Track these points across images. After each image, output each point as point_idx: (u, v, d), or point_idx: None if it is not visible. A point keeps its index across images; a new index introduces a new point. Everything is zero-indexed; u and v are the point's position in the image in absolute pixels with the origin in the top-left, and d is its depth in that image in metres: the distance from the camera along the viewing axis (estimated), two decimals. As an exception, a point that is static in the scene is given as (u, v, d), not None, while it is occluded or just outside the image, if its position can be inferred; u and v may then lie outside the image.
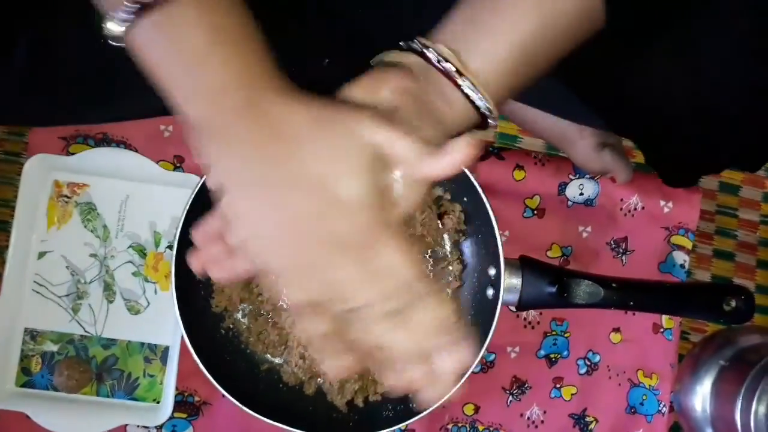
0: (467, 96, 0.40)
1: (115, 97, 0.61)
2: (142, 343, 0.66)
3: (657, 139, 0.55)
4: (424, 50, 0.40)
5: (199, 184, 0.60)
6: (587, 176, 0.70)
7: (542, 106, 0.61)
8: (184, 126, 0.37)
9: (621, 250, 0.71)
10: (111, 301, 0.67)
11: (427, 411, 0.60)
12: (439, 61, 0.39)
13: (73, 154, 0.66)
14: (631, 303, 0.64)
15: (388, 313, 0.36)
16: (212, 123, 0.35)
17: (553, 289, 0.63)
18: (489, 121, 0.41)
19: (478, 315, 0.65)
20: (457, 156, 0.37)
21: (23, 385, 0.65)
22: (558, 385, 0.69)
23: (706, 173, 0.69)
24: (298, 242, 0.36)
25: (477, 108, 0.40)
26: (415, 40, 0.41)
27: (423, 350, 0.37)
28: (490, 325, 0.61)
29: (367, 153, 0.36)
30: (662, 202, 0.70)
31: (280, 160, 0.35)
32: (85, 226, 0.67)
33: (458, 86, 0.39)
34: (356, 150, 0.36)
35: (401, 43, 0.42)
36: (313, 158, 0.35)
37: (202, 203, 0.62)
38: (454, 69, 0.39)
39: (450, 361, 0.37)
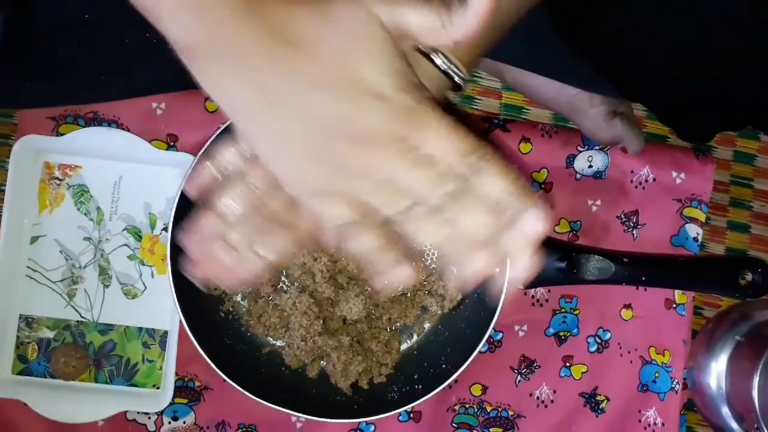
0: (441, 69, 0.38)
1: (103, 76, 0.59)
2: (140, 328, 0.65)
3: (671, 99, 0.52)
4: None
5: (194, 163, 0.59)
6: (596, 147, 0.67)
7: (550, 73, 0.59)
8: (183, 56, 0.33)
9: (632, 224, 0.68)
10: (107, 286, 0.65)
11: (433, 393, 0.59)
12: None
13: (63, 134, 0.64)
14: (643, 278, 0.62)
15: (447, 197, 0.34)
16: (208, 41, 0.32)
17: (562, 265, 0.61)
18: (461, 85, 0.39)
19: (485, 293, 0.63)
20: (478, 5, 0.33)
21: (20, 373, 0.63)
22: (568, 364, 0.68)
23: (723, 129, 0.66)
24: (336, 150, 0.33)
25: (450, 77, 0.38)
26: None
27: (493, 228, 0.34)
28: (497, 304, 0.59)
29: (383, 34, 0.33)
30: (674, 174, 0.68)
31: (294, 65, 0.32)
32: (78, 209, 0.65)
33: (432, 62, 0.37)
34: (372, 34, 0.33)
35: None
36: (330, 55, 0.32)
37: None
38: (423, 46, 0.37)
39: (528, 226, 0.34)
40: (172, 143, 0.65)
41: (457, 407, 0.67)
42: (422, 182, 0.34)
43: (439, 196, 0.34)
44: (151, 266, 0.65)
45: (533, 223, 0.34)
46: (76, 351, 0.64)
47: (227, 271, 0.40)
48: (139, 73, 0.60)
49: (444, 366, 0.61)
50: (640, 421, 0.68)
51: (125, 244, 0.65)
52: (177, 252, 0.59)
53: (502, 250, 0.35)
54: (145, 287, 0.65)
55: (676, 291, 0.68)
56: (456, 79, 0.38)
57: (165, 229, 0.65)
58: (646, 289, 0.68)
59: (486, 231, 0.34)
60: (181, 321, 0.58)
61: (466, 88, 0.39)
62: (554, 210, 0.67)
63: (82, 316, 0.64)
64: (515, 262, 0.35)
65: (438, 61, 0.37)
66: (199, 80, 0.34)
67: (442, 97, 0.39)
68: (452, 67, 0.38)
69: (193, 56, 0.33)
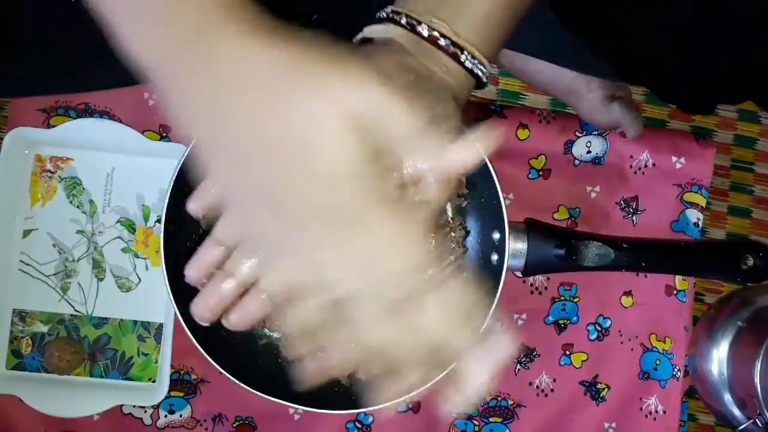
0: (467, 68, 0.37)
1: (93, 63, 0.58)
2: (135, 321, 0.64)
3: (670, 72, 0.51)
4: (415, 25, 0.37)
5: (185, 154, 0.58)
6: (595, 133, 0.67)
7: (547, 56, 0.58)
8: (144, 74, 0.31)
9: (631, 210, 0.67)
10: (101, 279, 0.64)
11: (430, 383, 0.58)
12: (430, 35, 0.37)
13: (54, 126, 0.63)
14: (643, 264, 0.62)
15: (384, 309, 0.32)
16: (158, 59, 0.29)
17: (561, 252, 0.60)
18: (485, 81, 0.39)
19: (483, 282, 0.62)
20: (475, 149, 0.32)
21: (14, 368, 0.63)
22: (568, 352, 0.67)
23: (724, 102, 0.65)
24: (271, 211, 0.31)
25: (475, 74, 0.38)
26: (398, 13, 0.38)
27: (436, 351, 0.33)
28: (495, 292, 0.58)
29: (353, 117, 0.30)
30: (674, 158, 0.67)
31: (231, 114, 0.29)
32: (71, 202, 0.64)
33: (459, 61, 0.37)
34: (338, 113, 0.29)
35: (382, 14, 0.39)
36: (276, 116, 0.29)
37: (189, 174, 0.59)
38: (450, 42, 0.37)
39: (476, 364, 0.33)
40: (165, 134, 0.64)
41: (456, 397, 0.66)
42: (355, 282, 0.32)
43: (377, 302, 0.32)
44: (145, 259, 0.65)
45: (501, 349, 0.34)
46: (71, 345, 0.63)
47: (238, 314, 0.38)
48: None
49: (442, 355, 0.61)
50: (641, 409, 0.67)
51: (119, 237, 0.64)
52: (171, 244, 0.58)
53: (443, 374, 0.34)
54: (140, 280, 0.64)
55: (677, 277, 0.67)
56: (482, 77, 0.38)
57: (159, 220, 0.64)
58: (646, 276, 0.67)
59: (423, 356, 0.33)
60: (176, 314, 0.57)
61: (489, 83, 0.40)
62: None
63: (76, 310, 0.64)
64: (469, 379, 0.34)
65: (466, 62, 0.37)
66: (160, 100, 0.31)
67: (467, 97, 0.39)
68: (477, 65, 0.38)
69: (150, 75, 0.30)
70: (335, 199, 0.30)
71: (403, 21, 0.38)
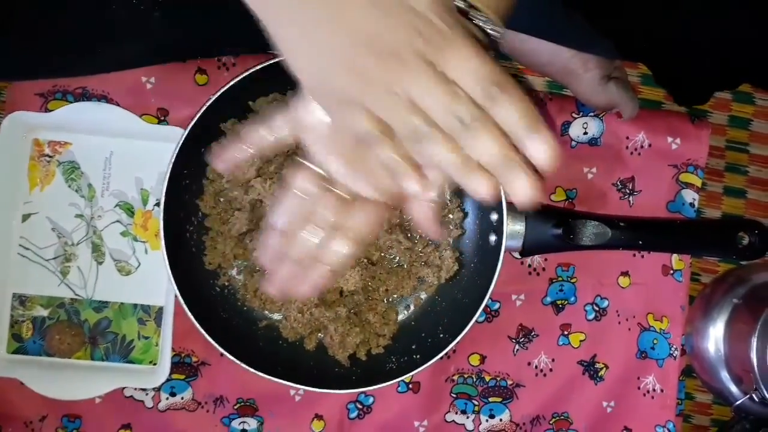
0: (481, 28, 0.38)
1: (91, 46, 0.58)
2: (135, 305, 0.64)
3: (667, 57, 0.52)
4: None
5: (183, 137, 0.58)
6: (591, 113, 0.67)
7: (545, 35, 0.58)
8: None
9: (628, 191, 0.68)
10: (100, 263, 0.64)
11: (431, 362, 0.59)
12: None
13: (51, 110, 0.63)
14: (640, 242, 0.62)
15: (458, 122, 0.35)
16: None
17: (559, 232, 0.61)
18: (495, 40, 0.40)
19: (481, 263, 0.63)
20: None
21: (15, 352, 0.63)
22: (566, 332, 0.68)
23: (721, 89, 0.66)
24: (364, 63, 0.35)
25: (488, 34, 0.39)
26: None
27: (499, 157, 0.36)
28: (494, 273, 0.59)
29: None
30: (670, 139, 0.68)
31: None
32: (69, 186, 0.64)
33: (468, 19, 0.38)
34: None
35: None
36: None
37: (188, 157, 0.59)
38: (463, 4, 0.38)
39: (533, 152, 0.35)
40: (162, 117, 0.64)
41: (455, 377, 0.67)
42: (436, 102, 0.35)
43: (451, 119, 0.35)
44: (144, 242, 0.65)
45: (537, 149, 0.35)
46: (71, 328, 0.63)
47: (303, 283, 0.44)
48: (127, 44, 0.59)
49: (442, 336, 0.61)
50: (639, 387, 0.68)
51: (118, 221, 0.65)
52: (170, 226, 0.58)
53: (505, 176, 0.36)
54: (139, 263, 0.65)
55: (673, 257, 0.68)
56: (493, 34, 0.39)
57: (157, 204, 0.64)
58: (643, 256, 0.67)
59: (492, 160, 0.36)
60: (176, 296, 0.57)
61: (503, 41, 0.41)
62: (545, 180, 0.67)
63: (76, 294, 0.64)
64: (515, 183, 0.36)
65: (476, 19, 0.38)
66: None
67: None
68: (489, 22, 0.39)
69: None
70: (419, 32, 0.34)
71: None
